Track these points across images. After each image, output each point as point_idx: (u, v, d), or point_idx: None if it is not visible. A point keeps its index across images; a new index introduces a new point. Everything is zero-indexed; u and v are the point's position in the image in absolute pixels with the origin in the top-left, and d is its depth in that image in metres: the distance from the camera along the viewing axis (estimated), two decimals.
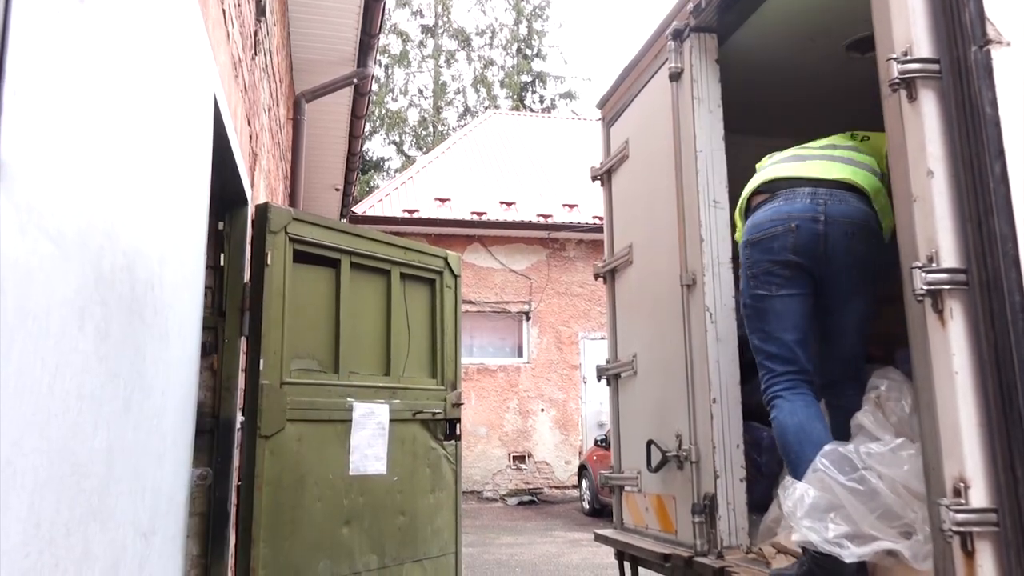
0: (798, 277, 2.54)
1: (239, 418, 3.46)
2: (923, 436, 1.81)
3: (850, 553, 2.06)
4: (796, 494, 2.20)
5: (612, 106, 3.93)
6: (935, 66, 1.82)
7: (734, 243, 2.94)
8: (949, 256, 1.75)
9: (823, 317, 2.62)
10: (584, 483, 11.61)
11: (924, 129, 1.81)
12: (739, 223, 2.80)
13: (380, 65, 25.95)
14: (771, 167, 2.72)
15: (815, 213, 2.50)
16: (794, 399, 2.49)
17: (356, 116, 7.84)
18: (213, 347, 3.42)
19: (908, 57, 1.84)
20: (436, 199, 14.00)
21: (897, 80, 1.85)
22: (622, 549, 3.52)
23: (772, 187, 2.65)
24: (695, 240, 2.96)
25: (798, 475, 2.34)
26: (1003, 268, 1.65)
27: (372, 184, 24.96)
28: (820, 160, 2.65)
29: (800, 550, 2.40)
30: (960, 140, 1.76)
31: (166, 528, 2.07)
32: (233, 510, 3.41)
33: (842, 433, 2.46)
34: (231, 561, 3.38)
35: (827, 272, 2.53)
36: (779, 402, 2.52)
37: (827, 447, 2.27)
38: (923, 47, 1.84)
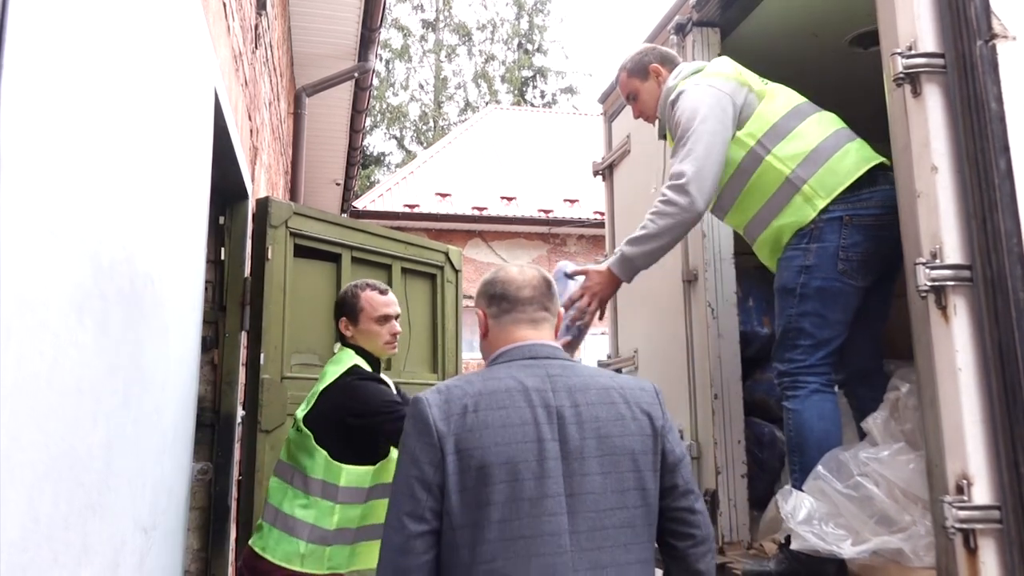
0: (879, 270, 2.39)
1: (240, 412, 3.45)
2: (926, 433, 1.80)
3: (847, 551, 2.05)
4: (794, 502, 2.18)
5: (614, 101, 3.91)
6: (940, 61, 1.81)
7: (736, 239, 2.93)
8: (953, 252, 1.74)
9: (872, 306, 2.46)
10: None
11: (928, 124, 1.80)
12: (820, 197, 2.39)
13: (381, 60, 25.91)
14: (862, 148, 2.44)
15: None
16: (824, 398, 2.35)
17: (357, 110, 7.82)
18: (214, 341, 3.41)
19: (912, 51, 1.83)
20: (437, 194, 13.98)
21: (901, 75, 1.83)
22: None
23: (872, 168, 2.39)
24: (697, 236, 2.94)
25: (805, 478, 2.28)
26: (1007, 265, 1.64)
27: (373, 179, 24.93)
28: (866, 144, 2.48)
29: (776, 546, 2.39)
30: (965, 136, 1.75)
31: (166, 522, 2.07)
32: (234, 504, 3.40)
33: None
34: (231, 555, 3.38)
35: (892, 263, 2.33)
36: (811, 395, 2.34)
37: (827, 454, 2.24)
38: (928, 41, 1.83)
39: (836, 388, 2.44)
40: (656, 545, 1.68)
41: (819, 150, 2.43)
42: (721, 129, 2.46)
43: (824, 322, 2.38)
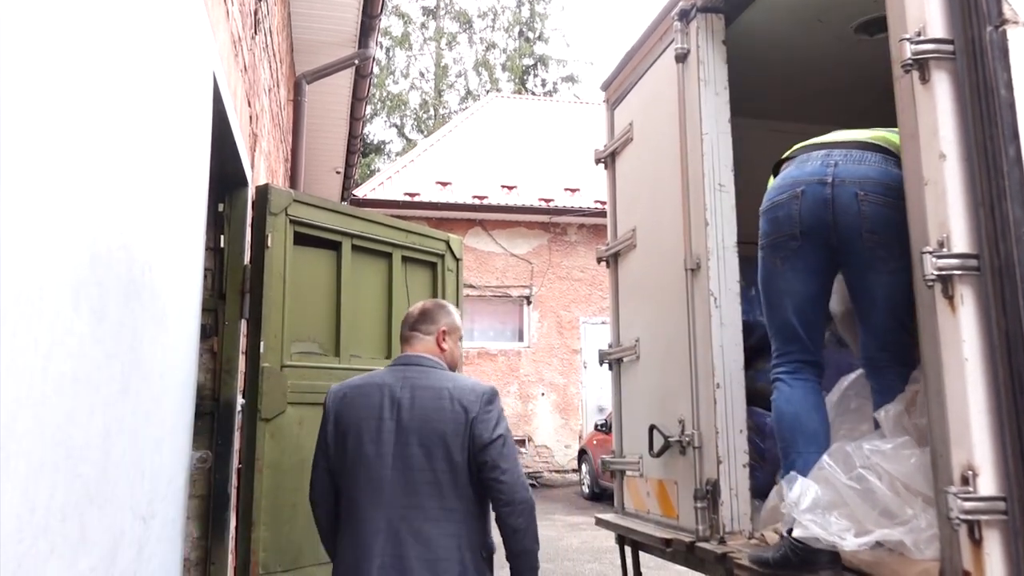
0: (806, 251, 2.36)
1: (239, 401, 3.44)
2: (931, 423, 1.79)
3: (850, 543, 2.03)
4: (799, 490, 2.17)
5: (616, 88, 3.88)
6: (949, 47, 1.79)
7: (739, 227, 2.91)
8: (961, 241, 1.72)
9: (851, 291, 2.47)
10: (584, 467, 11.64)
11: (937, 111, 1.77)
12: None
13: (381, 47, 25.77)
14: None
15: (823, 176, 2.29)
16: (794, 384, 2.42)
17: (357, 98, 7.78)
18: (213, 329, 3.39)
19: (921, 37, 1.81)
20: (437, 182, 13.94)
21: (910, 61, 1.81)
22: (623, 534, 3.51)
23: (794, 154, 2.50)
24: (700, 224, 2.92)
25: (786, 465, 2.33)
26: (1016, 254, 1.63)
27: (373, 167, 24.85)
28: (853, 130, 2.48)
29: (778, 535, 2.38)
30: (973, 123, 1.72)
31: (165, 511, 2.06)
32: (234, 493, 3.40)
33: None
34: (232, 543, 3.37)
35: (839, 240, 2.31)
36: (780, 385, 2.46)
37: (834, 445, 2.24)
38: (937, 27, 1.80)
39: (811, 373, 2.48)
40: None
41: None
42: None
43: (772, 311, 2.53)
